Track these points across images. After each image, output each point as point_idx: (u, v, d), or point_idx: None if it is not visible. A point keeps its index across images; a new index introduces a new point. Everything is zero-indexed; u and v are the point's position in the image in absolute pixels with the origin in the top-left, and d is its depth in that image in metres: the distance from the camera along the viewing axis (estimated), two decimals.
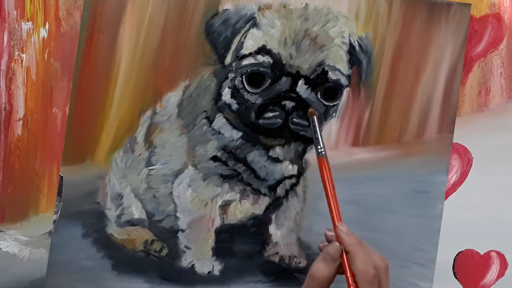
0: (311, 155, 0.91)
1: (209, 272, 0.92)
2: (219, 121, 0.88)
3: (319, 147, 0.80)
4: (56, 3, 0.85)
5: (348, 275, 0.73)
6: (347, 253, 0.75)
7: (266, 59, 0.86)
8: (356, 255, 0.74)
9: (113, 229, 0.90)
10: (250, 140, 0.89)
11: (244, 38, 0.86)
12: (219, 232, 0.92)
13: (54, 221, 0.87)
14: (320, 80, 0.87)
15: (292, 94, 0.86)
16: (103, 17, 0.85)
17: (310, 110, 0.85)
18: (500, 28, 0.96)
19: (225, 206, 0.92)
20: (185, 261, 0.91)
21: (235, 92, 0.87)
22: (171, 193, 0.90)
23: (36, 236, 0.88)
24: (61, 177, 0.87)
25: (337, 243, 0.75)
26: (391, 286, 0.75)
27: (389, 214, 0.93)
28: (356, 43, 0.89)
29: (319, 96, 0.87)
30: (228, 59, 0.87)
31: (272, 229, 0.93)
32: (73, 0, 0.85)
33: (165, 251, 0.91)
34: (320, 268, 0.75)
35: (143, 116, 0.88)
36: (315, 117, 0.83)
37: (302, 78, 0.86)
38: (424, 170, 0.94)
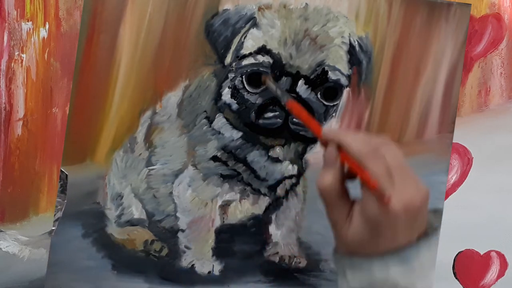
0: (311, 155, 0.91)
1: (209, 272, 0.92)
2: (219, 121, 0.88)
3: (284, 98, 0.81)
4: (56, 3, 0.85)
5: (357, 168, 0.66)
6: (342, 150, 0.69)
7: (266, 59, 0.86)
8: (349, 141, 0.68)
9: (113, 229, 0.90)
10: (250, 140, 0.89)
11: (244, 38, 0.86)
12: (219, 232, 0.92)
13: (57, 219, 0.87)
14: (320, 80, 0.87)
15: (292, 94, 0.86)
16: (103, 17, 0.85)
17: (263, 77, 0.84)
18: (500, 28, 0.96)
19: (225, 206, 0.92)
20: (185, 261, 0.91)
21: (235, 92, 0.87)
22: (171, 193, 0.90)
23: (36, 236, 0.88)
24: (66, 175, 0.87)
25: (329, 146, 0.69)
26: None
27: None
28: (356, 43, 0.89)
29: (319, 96, 0.87)
30: (228, 59, 0.87)
31: (272, 229, 0.94)
32: (73, 0, 0.85)
33: (165, 251, 0.91)
34: (322, 176, 0.68)
35: (143, 116, 0.88)
36: (267, 79, 0.83)
37: (302, 78, 0.86)
38: (424, 170, 0.94)
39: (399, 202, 0.64)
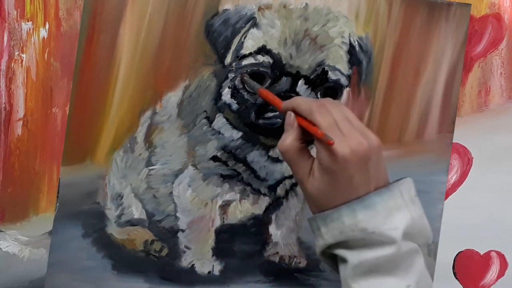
0: None
1: (209, 272, 0.92)
2: (219, 121, 0.88)
3: (256, 87, 0.84)
4: (56, 3, 0.85)
5: (308, 124, 0.74)
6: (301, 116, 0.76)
7: (266, 59, 0.86)
8: (299, 101, 0.76)
9: (113, 229, 0.90)
10: (250, 140, 0.89)
11: (244, 38, 0.86)
12: (219, 232, 0.92)
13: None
14: (320, 80, 0.87)
15: (292, 94, 0.86)
16: (103, 17, 0.85)
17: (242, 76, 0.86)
18: (500, 28, 0.96)
19: (225, 206, 0.92)
20: (185, 261, 0.91)
21: (235, 92, 0.87)
22: (171, 193, 0.90)
23: (36, 236, 0.88)
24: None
25: (287, 113, 0.77)
26: None
27: None
28: (356, 43, 0.89)
29: (319, 96, 0.87)
30: (228, 59, 0.87)
31: (272, 229, 0.94)
32: (73, 0, 0.85)
33: (165, 251, 0.91)
34: (282, 139, 0.75)
35: (143, 116, 0.88)
36: (245, 78, 0.86)
37: (302, 78, 0.86)
38: (424, 170, 0.94)
39: (346, 147, 0.71)
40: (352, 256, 0.72)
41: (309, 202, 0.76)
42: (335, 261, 0.75)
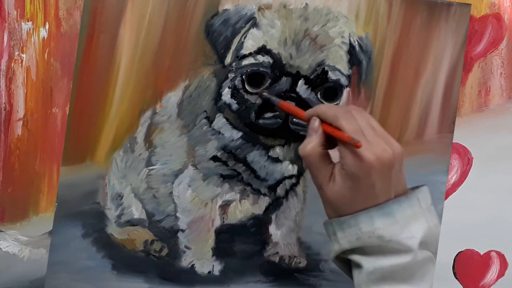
0: None
1: (209, 272, 0.92)
2: (219, 121, 0.88)
3: (276, 101, 0.85)
4: (56, 3, 0.85)
5: (333, 130, 0.74)
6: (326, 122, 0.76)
7: (266, 59, 0.86)
8: (324, 109, 0.76)
9: (113, 229, 0.90)
10: (250, 140, 0.89)
11: (244, 38, 0.86)
12: (219, 232, 0.92)
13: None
14: (320, 80, 0.87)
15: (292, 94, 0.86)
16: (103, 17, 0.85)
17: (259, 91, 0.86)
18: (500, 28, 0.96)
19: (225, 206, 0.92)
20: (185, 261, 0.91)
21: (235, 92, 0.87)
22: (171, 193, 0.90)
23: (36, 236, 0.88)
24: None
25: (311, 119, 0.77)
26: None
27: None
28: (356, 43, 0.89)
29: (319, 96, 0.87)
30: (228, 59, 0.87)
31: (272, 229, 0.94)
32: (73, 0, 0.85)
33: (165, 251, 0.91)
34: (304, 143, 0.76)
35: (143, 116, 0.88)
36: (264, 94, 0.86)
37: (302, 78, 0.86)
38: (424, 170, 0.94)
39: (371, 153, 0.71)
40: (368, 263, 0.72)
41: (327, 207, 0.76)
42: (349, 266, 0.75)
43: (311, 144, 0.75)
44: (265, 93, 0.86)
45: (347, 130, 0.72)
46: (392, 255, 0.71)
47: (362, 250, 0.72)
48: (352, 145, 0.71)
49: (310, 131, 0.76)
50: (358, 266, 0.73)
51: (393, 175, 0.72)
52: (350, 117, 0.74)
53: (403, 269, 0.71)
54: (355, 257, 0.73)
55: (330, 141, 0.75)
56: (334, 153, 0.76)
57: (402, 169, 0.74)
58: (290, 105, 0.84)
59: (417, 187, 0.75)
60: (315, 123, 0.76)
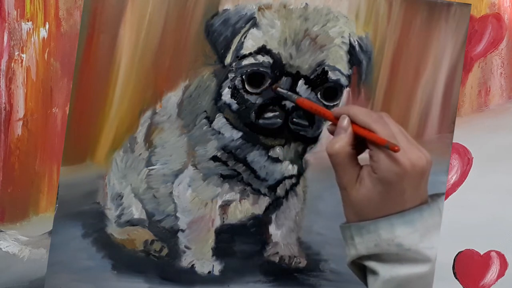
0: (311, 155, 0.91)
1: (209, 272, 0.92)
2: (219, 121, 0.88)
3: (293, 97, 0.83)
4: (56, 3, 0.85)
5: (367, 132, 0.72)
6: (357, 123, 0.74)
7: (266, 59, 0.86)
8: (356, 111, 0.74)
9: (113, 229, 0.90)
10: (250, 140, 0.89)
11: (244, 38, 0.86)
12: (219, 232, 0.92)
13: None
14: (320, 80, 0.87)
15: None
16: (103, 17, 0.85)
17: (274, 86, 0.86)
18: (500, 28, 0.96)
19: (225, 206, 0.92)
20: (185, 261, 0.91)
21: (235, 92, 0.87)
22: (171, 193, 0.90)
23: (36, 236, 0.88)
24: None
25: (340, 117, 0.75)
26: None
27: None
28: (356, 43, 0.89)
29: (319, 96, 0.87)
30: (228, 59, 0.87)
31: (272, 229, 0.94)
32: (73, 0, 0.85)
33: (165, 251, 0.91)
34: (331, 142, 0.73)
35: (143, 116, 0.88)
36: (278, 88, 0.85)
37: (302, 78, 0.86)
38: None
39: (407, 159, 0.69)
40: (384, 270, 0.71)
41: (349, 209, 0.73)
42: (363, 272, 0.74)
43: (340, 142, 0.72)
44: (279, 88, 0.85)
45: (381, 134, 0.71)
46: (409, 264, 0.70)
47: (379, 257, 0.71)
48: (389, 149, 0.69)
49: (338, 129, 0.74)
50: (374, 273, 0.72)
51: (422, 183, 0.71)
52: (384, 122, 0.72)
53: (420, 279, 0.70)
54: (371, 264, 0.71)
55: (358, 142, 0.73)
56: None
57: (429, 178, 0.72)
58: (310, 102, 0.82)
59: (437, 194, 0.74)
60: (345, 121, 0.74)
